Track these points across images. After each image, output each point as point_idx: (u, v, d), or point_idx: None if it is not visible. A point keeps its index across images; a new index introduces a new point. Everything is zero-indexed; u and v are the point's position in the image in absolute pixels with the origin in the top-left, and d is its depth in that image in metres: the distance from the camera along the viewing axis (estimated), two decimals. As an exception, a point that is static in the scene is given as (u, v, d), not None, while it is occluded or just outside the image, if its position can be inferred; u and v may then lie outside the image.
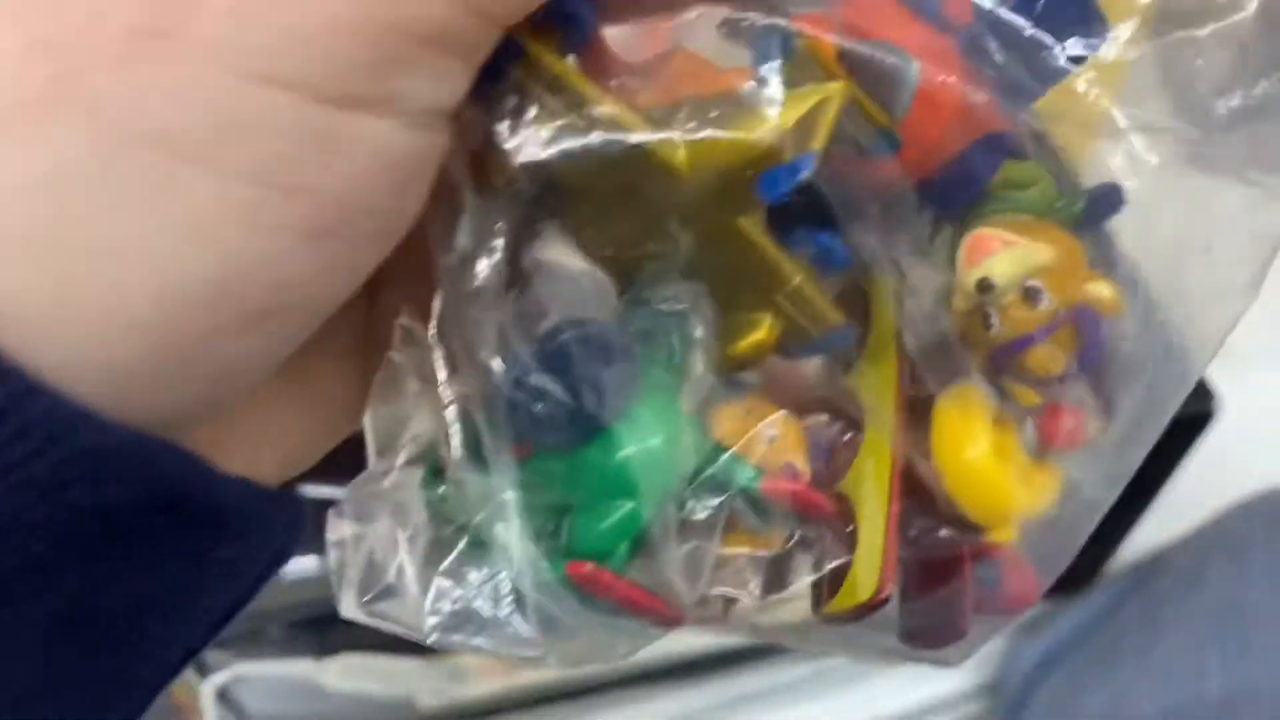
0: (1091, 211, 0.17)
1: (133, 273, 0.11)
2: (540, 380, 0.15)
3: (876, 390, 0.18)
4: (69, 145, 0.11)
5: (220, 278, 0.11)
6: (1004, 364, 0.17)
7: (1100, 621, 0.47)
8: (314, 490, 0.20)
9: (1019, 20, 0.15)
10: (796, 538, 0.17)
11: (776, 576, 0.17)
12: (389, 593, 0.17)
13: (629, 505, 0.15)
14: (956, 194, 0.17)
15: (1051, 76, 0.16)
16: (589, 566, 0.16)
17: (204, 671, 0.36)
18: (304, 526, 0.16)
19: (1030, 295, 0.16)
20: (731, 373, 0.17)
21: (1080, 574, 0.49)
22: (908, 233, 0.17)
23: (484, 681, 0.42)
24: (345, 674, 0.36)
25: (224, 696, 0.37)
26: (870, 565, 0.17)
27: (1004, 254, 0.16)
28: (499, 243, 0.15)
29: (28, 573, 0.12)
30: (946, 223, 0.17)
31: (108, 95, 0.11)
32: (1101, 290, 0.16)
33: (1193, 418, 0.39)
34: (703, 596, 0.17)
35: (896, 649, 0.18)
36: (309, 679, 0.36)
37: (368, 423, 0.18)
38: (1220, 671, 0.41)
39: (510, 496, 0.15)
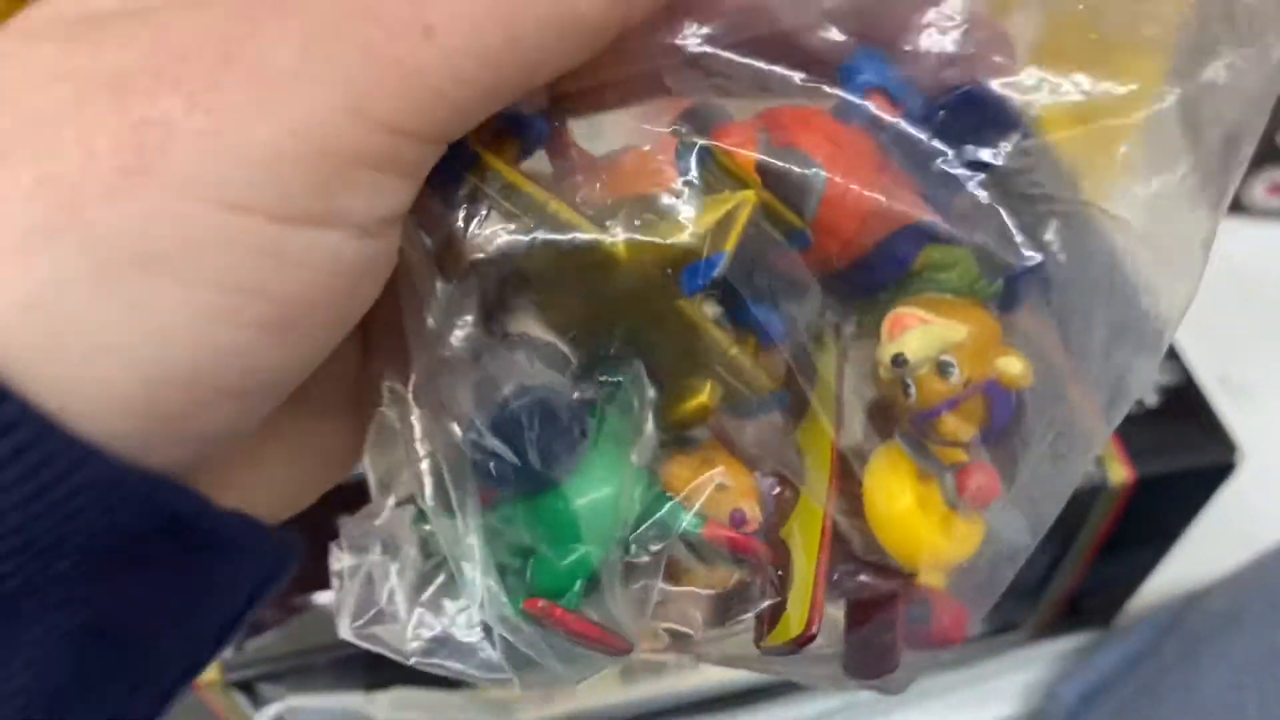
0: (1011, 291, 0.19)
1: (118, 367, 0.14)
2: (492, 443, 0.17)
3: (814, 448, 0.20)
4: (66, 267, 0.13)
5: (192, 367, 0.14)
6: (920, 429, 0.18)
7: (1141, 659, 0.47)
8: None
9: (919, 132, 0.17)
10: (737, 579, 0.19)
11: (723, 611, 0.20)
12: (380, 618, 0.20)
13: (580, 550, 0.18)
14: (874, 279, 0.18)
15: (954, 182, 0.18)
16: (542, 603, 0.18)
17: (258, 703, 0.38)
18: (297, 553, 0.19)
19: (943, 369, 0.18)
20: (679, 431, 0.19)
21: (1107, 609, 0.49)
22: (846, 309, 0.19)
23: (525, 715, 0.43)
24: (395, 706, 0.38)
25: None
26: (800, 606, 0.19)
27: (918, 330, 0.18)
28: (468, 318, 0.17)
29: (54, 586, 0.14)
30: (874, 302, 0.18)
31: (99, 224, 0.13)
32: (1011, 365, 0.18)
33: (1214, 469, 0.40)
34: (652, 630, 0.19)
35: (842, 677, 0.20)
36: (358, 711, 0.39)
37: (368, 464, 0.21)
38: (1258, 713, 0.41)
39: (474, 541, 0.18)
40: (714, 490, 0.18)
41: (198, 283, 0.14)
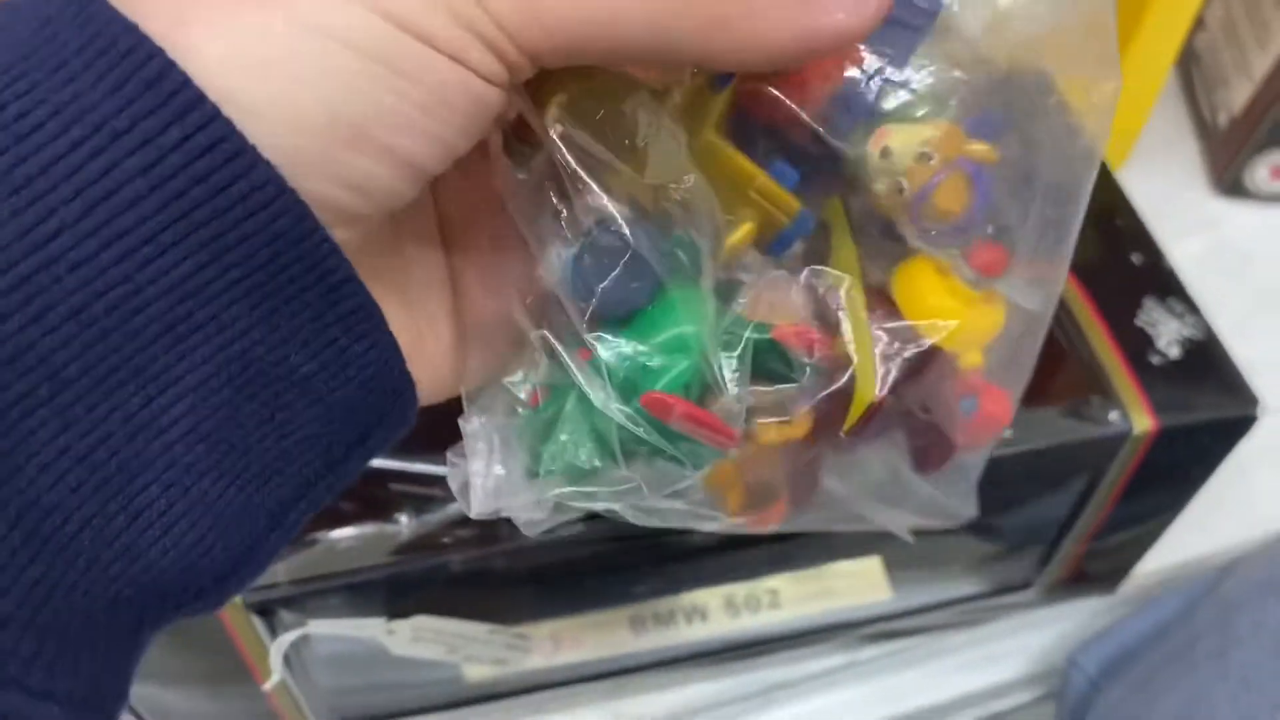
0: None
1: (310, 98, 0.17)
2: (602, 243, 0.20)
3: (845, 268, 0.22)
4: (272, 29, 0.16)
5: (362, 114, 0.17)
6: (919, 213, 0.21)
7: (1169, 628, 0.47)
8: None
9: None
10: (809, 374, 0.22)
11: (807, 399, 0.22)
12: (505, 490, 0.20)
13: (685, 362, 0.20)
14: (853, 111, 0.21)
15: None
16: (658, 395, 0.20)
17: (277, 630, 0.38)
18: (416, 404, 0.21)
19: (923, 158, 0.21)
20: (731, 263, 0.21)
21: (1115, 572, 0.50)
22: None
23: (537, 655, 0.43)
24: (414, 635, 0.37)
25: (290, 661, 0.39)
26: (866, 379, 0.22)
27: (897, 130, 0.21)
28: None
29: (218, 302, 0.17)
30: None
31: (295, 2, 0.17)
32: (978, 147, 0.21)
33: (1235, 421, 0.40)
34: (746, 430, 0.22)
35: (920, 509, 0.23)
36: (374, 643, 0.38)
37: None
38: None
39: (602, 353, 0.20)
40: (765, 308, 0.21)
41: (364, 52, 0.17)
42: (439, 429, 0.38)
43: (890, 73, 0.21)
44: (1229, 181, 0.64)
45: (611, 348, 0.20)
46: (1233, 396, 0.40)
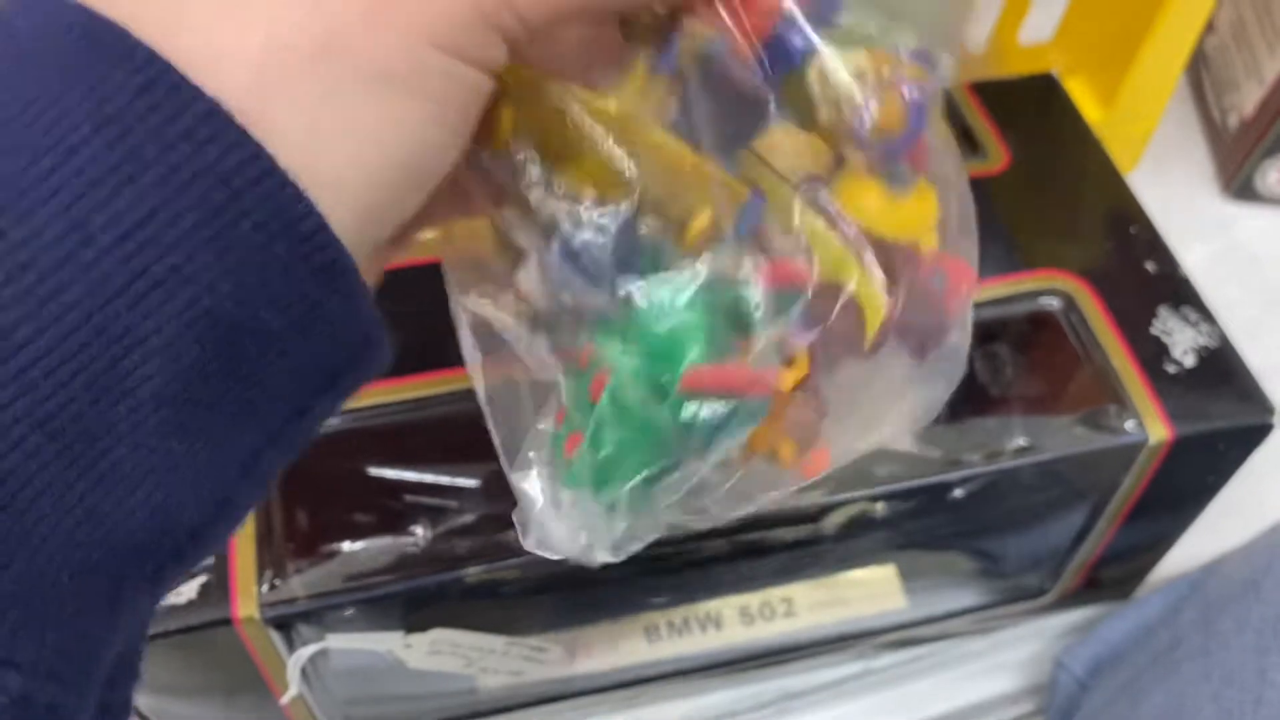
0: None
1: (378, 158, 0.18)
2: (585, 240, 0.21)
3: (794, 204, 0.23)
4: (333, 77, 0.17)
5: (415, 156, 0.19)
6: (859, 131, 0.23)
7: (1154, 628, 0.47)
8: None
9: None
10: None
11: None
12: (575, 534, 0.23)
13: (696, 345, 0.21)
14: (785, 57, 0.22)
15: None
16: (689, 375, 0.21)
17: (294, 644, 0.38)
18: (389, 349, 0.21)
19: (861, 78, 0.22)
20: (698, 251, 0.22)
21: (1128, 579, 0.50)
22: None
23: (553, 665, 0.43)
24: (432, 649, 0.37)
25: (307, 674, 0.39)
26: (871, 295, 0.23)
27: (833, 58, 0.22)
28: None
29: (187, 262, 0.16)
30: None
31: (353, 48, 0.18)
32: (910, 70, 0.22)
33: (1251, 429, 0.40)
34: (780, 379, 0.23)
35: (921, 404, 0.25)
36: (394, 654, 0.38)
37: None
38: None
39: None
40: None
41: (418, 93, 0.18)
42: (453, 438, 0.38)
43: (822, 13, 0.22)
44: (1240, 185, 0.64)
45: (627, 349, 0.21)
46: (1249, 404, 0.40)
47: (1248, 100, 0.63)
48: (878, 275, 0.23)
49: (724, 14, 0.22)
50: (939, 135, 0.24)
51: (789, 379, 0.23)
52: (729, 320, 0.22)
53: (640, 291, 0.21)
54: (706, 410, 0.21)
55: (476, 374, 0.25)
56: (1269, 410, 0.40)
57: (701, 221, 0.22)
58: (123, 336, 0.16)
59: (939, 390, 0.26)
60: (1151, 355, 0.41)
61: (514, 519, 0.24)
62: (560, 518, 0.23)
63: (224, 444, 0.18)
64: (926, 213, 0.24)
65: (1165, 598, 0.50)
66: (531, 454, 0.24)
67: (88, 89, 0.16)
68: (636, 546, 0.24)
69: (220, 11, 0.17)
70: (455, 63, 0.19)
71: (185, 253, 0.16)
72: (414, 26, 0.18)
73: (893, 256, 0.23)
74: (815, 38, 0.22)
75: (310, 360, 0.19)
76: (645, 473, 0.22)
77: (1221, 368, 0.41)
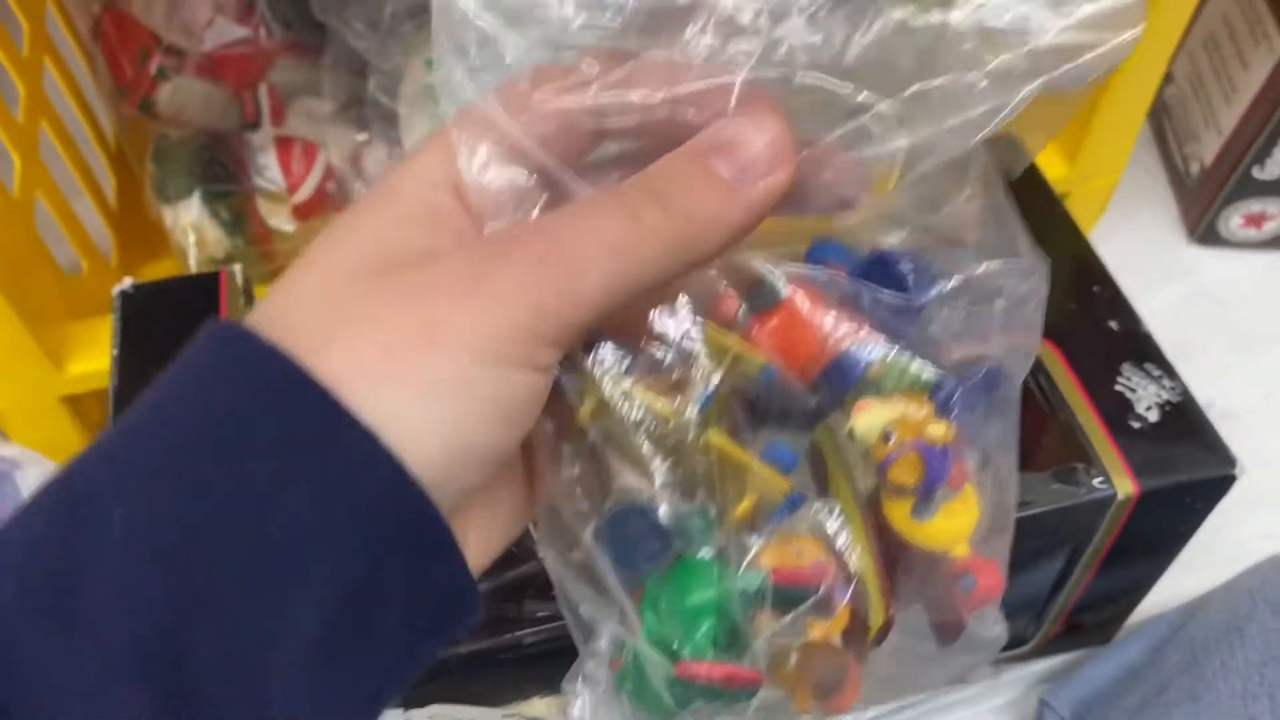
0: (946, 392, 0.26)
1: (429, 435, 0.22)
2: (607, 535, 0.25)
3: (844, 505, 0.26)
4: (394, 390, 0.21)
5: (473, 439, 0.22)
6: (883, 479, 0.26)
7: (1140, 671, 0.48)
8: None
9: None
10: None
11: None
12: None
13: (707, 623, 0.24)
14: (841, 383, 0.26)
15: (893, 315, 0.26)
16: (688, 665, 0.24)
17: None
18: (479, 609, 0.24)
19: (885, 437, 0.25)
20: (738, 532, 0.25)
21: (1107, 624, 0.51)
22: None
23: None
24: (431, 723, 0.38)
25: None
26: (876, 601, 0.26)
27: (864, 412, 0.25)
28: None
29: (341, 554, 0.21)
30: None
31: (419, 366, 0.22)
32: (935, 429, 0.25)
33: (1214, 481, 0.42)
34: (783, 667, 0.25)
35: (960, 669, 0.27)
36: (395, 728, 0.39)
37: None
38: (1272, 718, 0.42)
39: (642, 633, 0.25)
40: (790, 555, 0.25)
41: (473, 398, 0.22)
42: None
43: (872, 350, 0.25)
44: (1204, 230, 0.66)
45: (648, 623, 0.25)
46: (1211, 457, 0.42)
47: (1207, 149, 0.65)
48: (882, 583, 0.26)
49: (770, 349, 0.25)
50: (1005, 428, 0.27)
51: (820, 630, 0.25)
52: (741, 609, 0.25)
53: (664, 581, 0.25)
54: (696, 692, 0.25)
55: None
56: (1231, 462, 0.41)
57: (743, 508, 0.25)
58: (288, 594, 0.20)
59: (975, 658, 0.28)
60: (1116, 412, 0.42)
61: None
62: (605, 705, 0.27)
63: (352, 685, 0.22)
64: (962, 526, 0.26)
65: (1146, 639, 0.51)
66: (589, 665, 0.27)
67: (279, 419, 0.21)
68: None
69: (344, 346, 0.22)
70: (502, 371, 0.22)
71: (340, 541, 0.21)
72: (462, 346, 0.22)
73: (923, 563, 0.26)
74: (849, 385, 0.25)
75: (421, 616, 0.23)
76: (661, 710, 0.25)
77: (1184, 422, 0.42)
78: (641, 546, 0.24)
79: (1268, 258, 0.67)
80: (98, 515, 0.20)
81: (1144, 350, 0.45)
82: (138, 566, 0.20)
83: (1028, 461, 0.42)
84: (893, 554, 0.27)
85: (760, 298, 0.25)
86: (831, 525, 0.26)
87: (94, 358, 0.50)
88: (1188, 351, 0.62)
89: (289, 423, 0.21)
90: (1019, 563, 0.46)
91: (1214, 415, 0.59)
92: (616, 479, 0.24)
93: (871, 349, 0.25)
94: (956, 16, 0.23)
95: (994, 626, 0.28)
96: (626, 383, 0.24)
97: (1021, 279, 0.27)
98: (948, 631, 0.27)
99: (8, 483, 0.51)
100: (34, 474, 0.51)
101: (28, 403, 0.51)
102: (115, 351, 0.43)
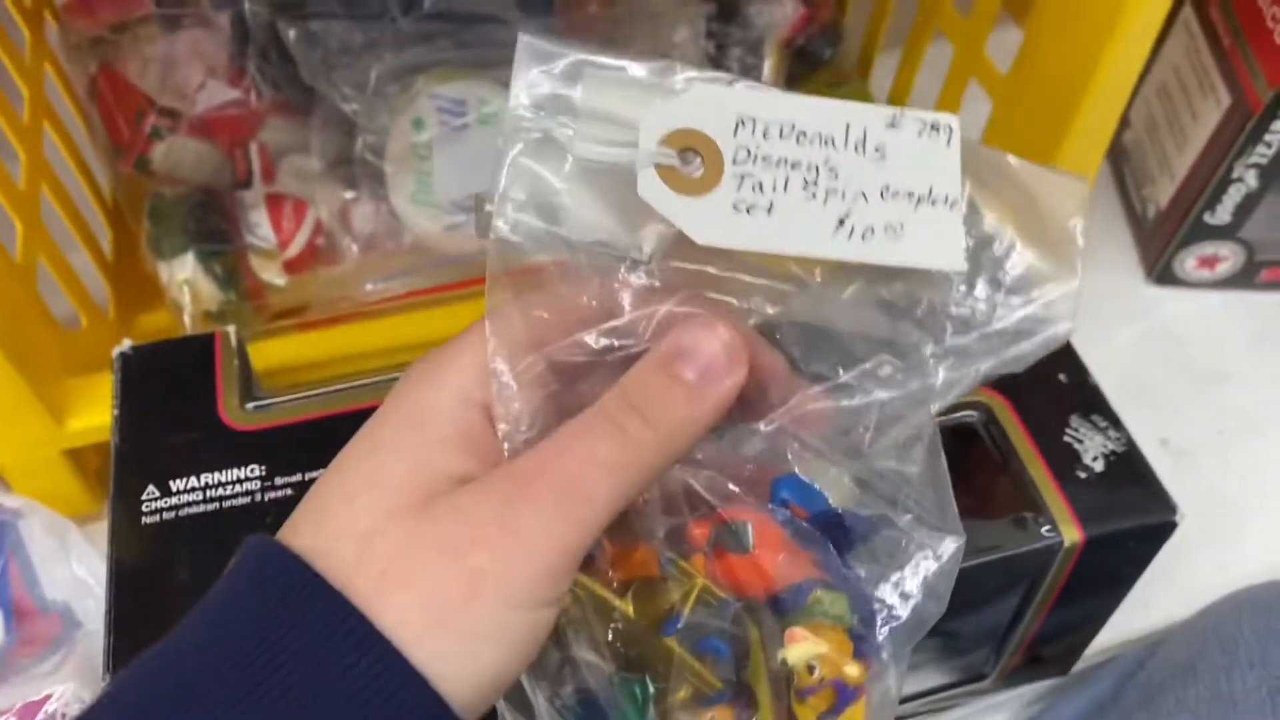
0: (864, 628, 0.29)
1: (470, 676, 0.24)
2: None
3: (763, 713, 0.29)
4: (453, 641, 0.24)
5: (505, 669, 0.25)
6: (801, 700, 0.28)
7: (1104, 706, 0.51)
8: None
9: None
10: None
11: None
12: None
13: None
14: (786, 606, 0.29)
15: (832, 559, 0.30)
16: None
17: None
18: None
19: (810, 669, 0.28)
20: (669, 714, 0.28)
21: (1065, 656, 0.53)
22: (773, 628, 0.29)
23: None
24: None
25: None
26: None
27: (798, 645, 0.28)
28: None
29: None
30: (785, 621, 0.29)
31: (463, 620, 0.24)
32: (851, 670, 0.28)
33: (1156, 527, 0.44)
34: None
35: None
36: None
37: None
38: None
39: None
40: None
41: (507, 642, 0.25)
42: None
43: (813, 586, 0.28)
44: (1161, 270, 0.69)
45: None
46: (1153, 504, 0.44)
47: (1162, 194, 0.68)
48: None
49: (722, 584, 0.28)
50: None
51: None
52: None
53: None
54: None
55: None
56: (1172, 509, 0.44)
57: (680, 696, 0.28)
58: None
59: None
60: (1064, 462, 0.45)
61: None
62: None
63: None
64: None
65: (1112, 676, 0.54)
66: None
67: (342, 673, 0.23)
68: None
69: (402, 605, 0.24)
70: (534, 613, 0.25)
71: None
72: (501, 598, 0.24)
73: None
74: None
75: None
76: None
77: (1128, 471, 0.45)
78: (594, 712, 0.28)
79: (1221, 297, 0.69)
80: None
81: (1091, 402, 0.47)
82: None
83: (983, 508, 0.44)
84: None
85: (729, 541, 0.28)
86: None
87: (94, 413, 0.52)
88: (1146, 388, 0.65)
89: (356, 672, 0.23)
90: (979, 600, 0.49)
91: (1169, 452, 0.62)
92: (575, 651, 0.27)
93: (812, 585, 0.29)
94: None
95: None
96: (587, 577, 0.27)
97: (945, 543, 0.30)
98: None
99: (11, 532, 0.53)
100: (36, 524, 0.53)
101: (29, 456, 0.53)
102: (115, 411, 0.46)
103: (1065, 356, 0.49)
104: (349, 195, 0.59)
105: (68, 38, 0.59)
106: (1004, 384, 0.47)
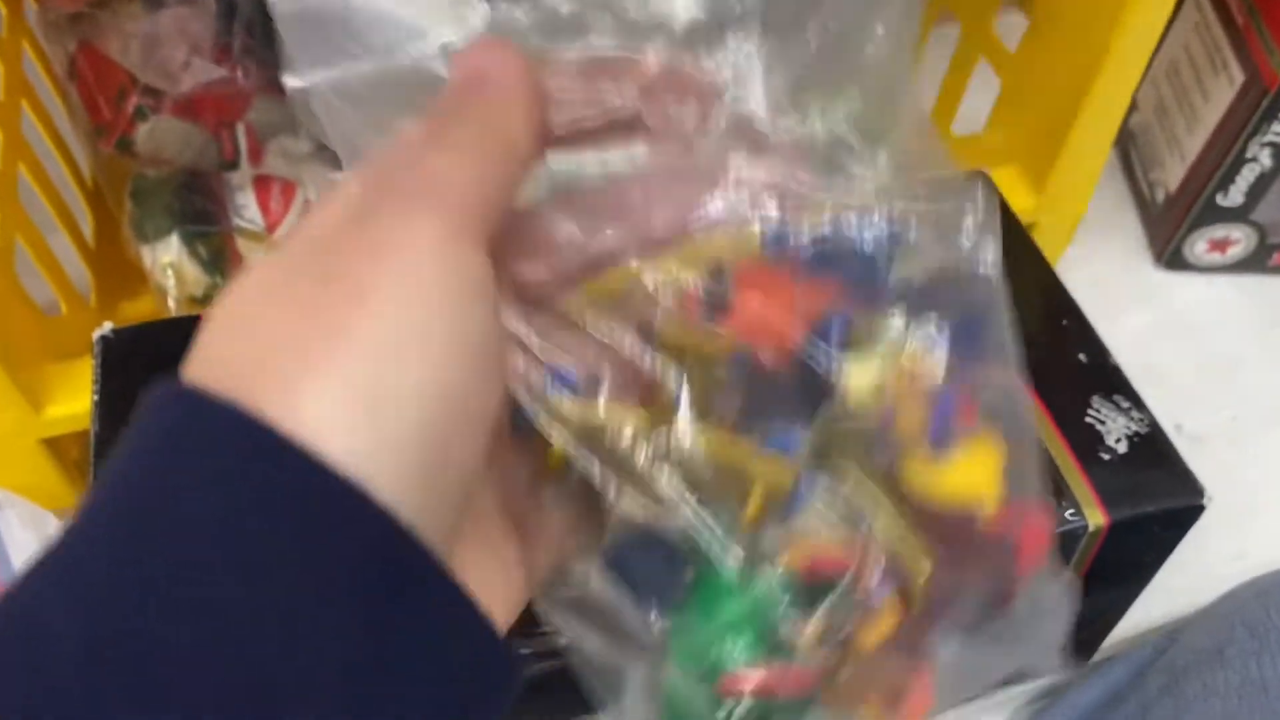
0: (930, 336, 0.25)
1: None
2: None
3: (854, 477, 0.25)
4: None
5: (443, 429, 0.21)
6: (889, 440, 0.24)
7: (1123, 695, 0.49)
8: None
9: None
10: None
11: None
12: None
13: (745, 638, 0.23)
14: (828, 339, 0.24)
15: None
16: (729, 678, 0.23)
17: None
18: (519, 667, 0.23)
19: (877, 392, 0.24)
20: (757, 529, 0.24)
21: (1086, 644, 0.52)
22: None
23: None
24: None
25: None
26: (915, 561, 0.24)
27: (853, 374, 0.24)
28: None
29: (343, 616, 0.19)
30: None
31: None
32: (930, 370, 0.24)
33: (1183, 510, 0.43)
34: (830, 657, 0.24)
35: (1008, 660, 0.27)
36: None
37: None
38: None
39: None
40: (814, 547, 0.24)
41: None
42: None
43: (855, 307, 0.24)
44: (1170, 255, 0.68)
45: (680, 654, 0.23)
46: (1180, 487, 0.43)
47: (1172, 176, 0.67)
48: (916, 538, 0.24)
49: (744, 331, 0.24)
50: (1003, 375, 0.26)
51: (873, 633, 0.24)
52: (775, 614, 0.23)
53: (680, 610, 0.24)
54: (743, 710, 0.23)
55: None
56: (1199, 492, 0.42)
57: (753, 507, 0.23)
58: (279, 680, 0.18)
59: (1047, 631, 0.27)
60: (1086, 444, 0.43)
61: None
62: None
63: None
64: (987, 469, 0.25)
65: (1130, 663, 0.52)
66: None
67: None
68: None
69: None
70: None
71: (335, 609, 0.19)
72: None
73: (951, 530, 0.24)
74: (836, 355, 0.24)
75: (442, 691, 0.21)
76: None
77: (1153, 452, 0.43)
78: (657, 575, 0.23)
79: (1233, 281, 0.68)
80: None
81: (1113, 382, 0.46)
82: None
83: (1001, 493, 0.43)
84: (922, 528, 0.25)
85: (711, 300, 0.24)
86: (847, 501, 0.24)
87: (73, 400, 0.50)
88: (1157, 375, 0.63)
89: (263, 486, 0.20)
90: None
91: (1183, 438, 0.61)
92: (615, 504, 0.23)
93: (848, 308, 0.24)
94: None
95: (1053, 586, 0.26)
96: (600, 402, 0.23)
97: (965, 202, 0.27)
98: (1000, 595, 0.25)
99: (-12, 525, 0.51)
100: (14, 516, 0.51)
101: (7, 446, 0.51)
102: (95, 397, 0.43)
103: (1085, 336, 0.47)
104: (338, 176, 0.57)
105: (45, 14, 0.57)
106: (1022, 365, 0.45)
